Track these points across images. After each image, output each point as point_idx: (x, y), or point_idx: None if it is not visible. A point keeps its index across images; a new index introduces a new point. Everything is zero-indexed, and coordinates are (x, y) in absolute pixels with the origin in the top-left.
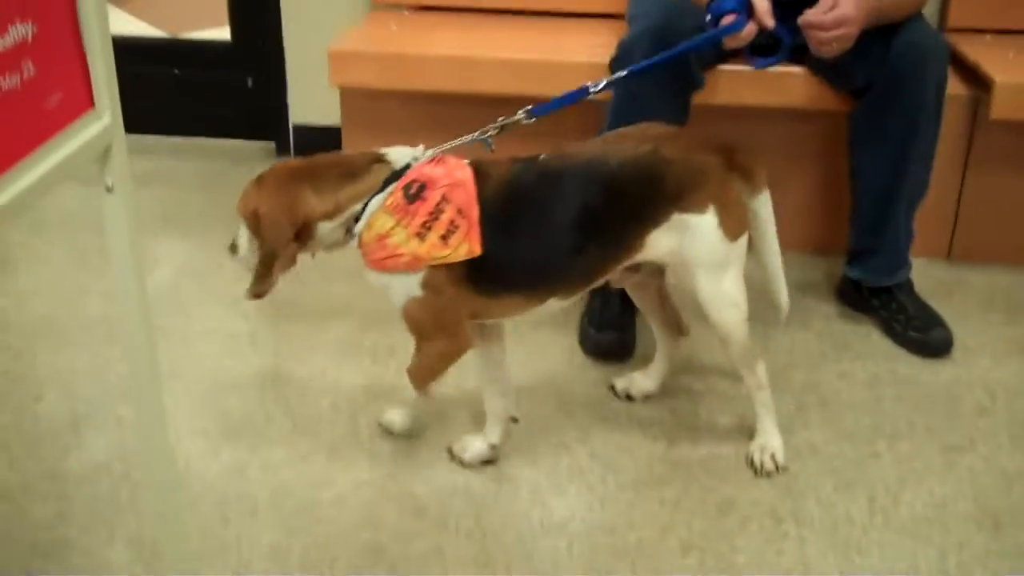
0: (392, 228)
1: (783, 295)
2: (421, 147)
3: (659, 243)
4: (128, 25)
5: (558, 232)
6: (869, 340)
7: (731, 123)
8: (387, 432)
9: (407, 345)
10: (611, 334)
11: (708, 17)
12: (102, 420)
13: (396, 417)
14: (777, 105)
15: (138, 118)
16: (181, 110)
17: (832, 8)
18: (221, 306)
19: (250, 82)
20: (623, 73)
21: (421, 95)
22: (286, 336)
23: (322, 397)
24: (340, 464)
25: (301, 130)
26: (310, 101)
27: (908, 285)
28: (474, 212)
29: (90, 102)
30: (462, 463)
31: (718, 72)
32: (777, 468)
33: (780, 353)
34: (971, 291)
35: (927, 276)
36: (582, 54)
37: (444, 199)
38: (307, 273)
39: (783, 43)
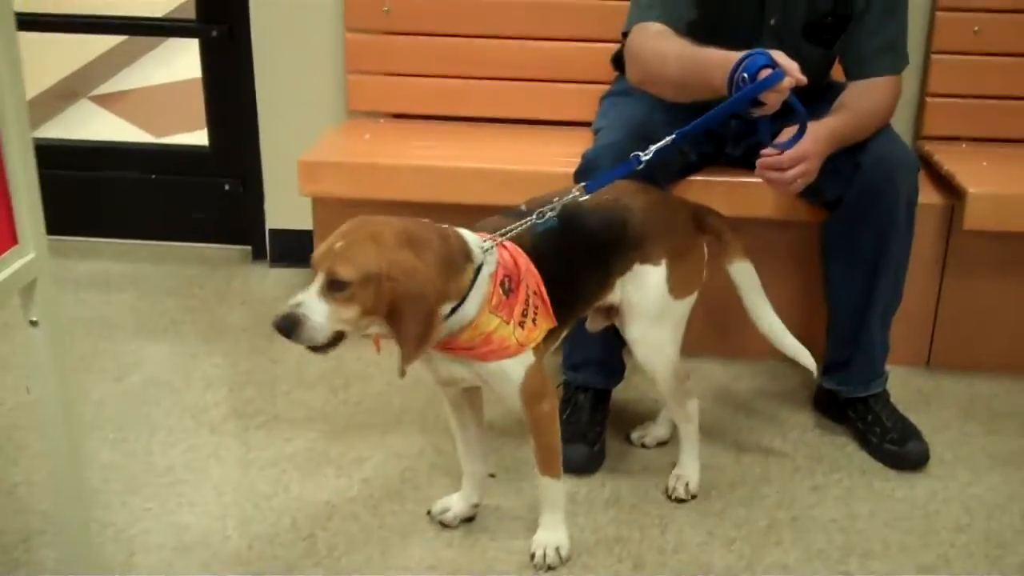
0: (498, 326)
1: (801, 351)
2: (480, 235)
3: (624, 288)
4: (113, 126)
5: (566, 282)
6: (844, 452)
7: None
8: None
9: (374, 455)
10: (582, 448)
11: (744, 75)
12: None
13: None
14: (748, 216)
15: (115, 222)
16: (158, 214)
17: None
18: (187, 417)
19: (227, 187)
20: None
21: (394, 204)
22: (252, 448)
23: (284, 515)
24: None
25: (278, 234)
26: (287, 206)
27: (884, 396)
28: (543, 290)
29: (13, 239)
30: (443, 524)
31: (687, 183)
32: (688, 496)
33: (754, 464)
34: (950, 400)
35: (906, 384)
36: (552, 164)
37: (527, 287)
38: (280, 380)
39: (801, 114)
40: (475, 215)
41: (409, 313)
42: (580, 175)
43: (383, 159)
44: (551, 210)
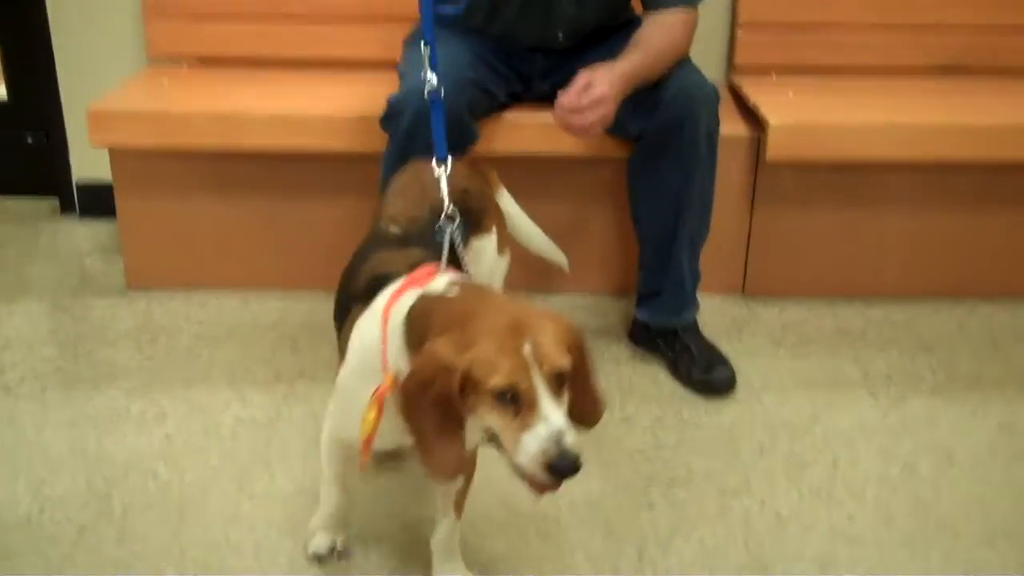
0: None
1: (554, 251)
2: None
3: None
4: None
5: None
6: (655, 382)
7: (519, 172)
8: None
9: (176, 410)
10: None
11: None
12: None
13: None
14: (556, 153)
15: None
16: None
17: (586, 89)
18: None
19: (30, 139)
20: None
21: (192, 153)
22: (49, 408)
23: (78, 476)
24: None
25: (85, 188)
26: (93, 158)
27: (694, 326)
28: None
29: None
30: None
31: (494, 121)
32: None
33: None
34: (762, 327)
35: (721, 313)
36: (353, 108)
37: None
38: (84, 338)
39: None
40: (273, 163)
41: (591, 366)
42: (386, 120)
43: (176, 107)
44: (448, 219)
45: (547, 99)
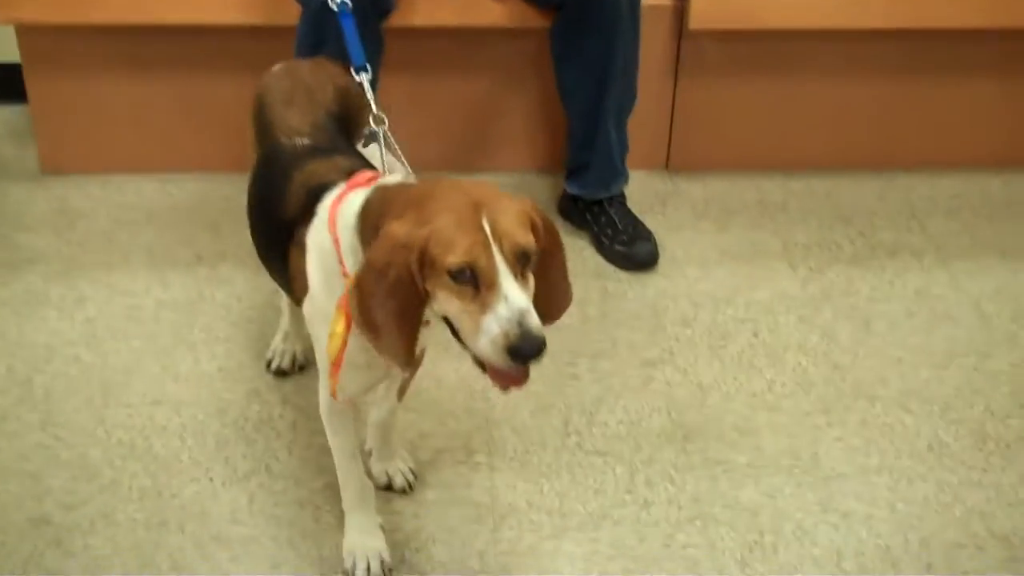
0: None
1: None
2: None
3: None
4: None
5: None
6: (582, 257)
7: (440, 46)
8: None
9: (97, 294)
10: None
11: None
12: None
13: None
14: (478, 25)
15: None
16: None
17: None
18: None
19: None
20: None
21: (104, 29)
22: None
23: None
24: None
25: None
26: (3, 39)
27: (620, 198)
28: None
29: None
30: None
31: None
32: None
33: None
34: (686, 201)
35: (645, 187)
36: None
37: None
38: None
39: None
40: (187, 39)
41: (561, 253)
42: None
43: None
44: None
45: None
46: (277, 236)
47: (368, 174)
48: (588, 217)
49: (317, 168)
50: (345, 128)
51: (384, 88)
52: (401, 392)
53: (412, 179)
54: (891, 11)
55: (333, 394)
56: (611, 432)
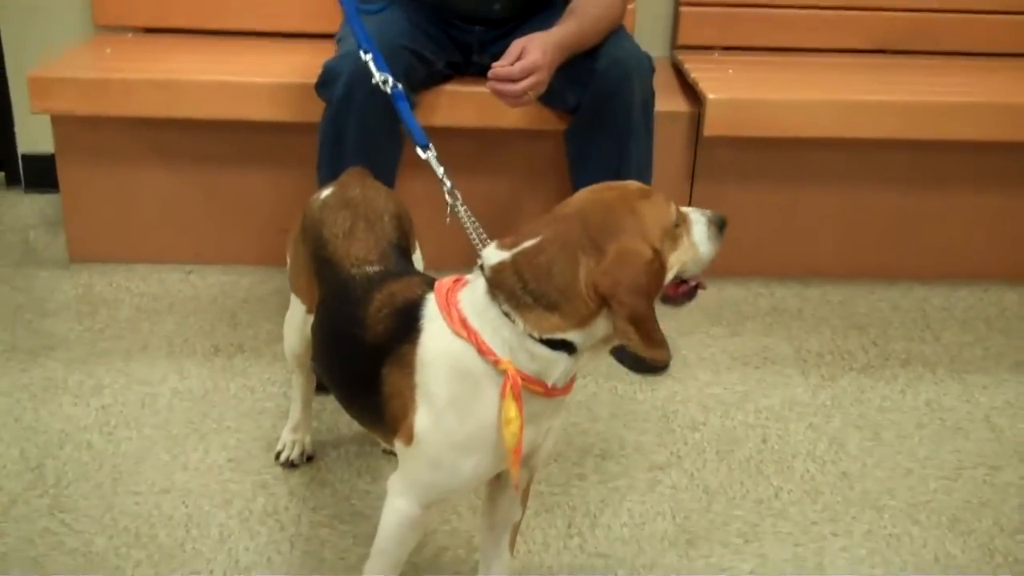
0: None
1: None
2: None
3: None
4: None
5: None
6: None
7: (459, 146)
8: None
9: (115, 381)
10: None
11: None
12: None
13: None
14: (495, 126)
15: None
16: None
17: (519, 58)
18: None
19: None
20: None
21: (135, 121)
22: None
23: (12, 446)
24: None
25: (32, 159)
26: (40, 129)
27: None
28: None
29: None
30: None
31: (434, 93)
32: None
33: None
34: (699, 305)
35: None
36: (294, 76)
37: None
38: (23, 309)
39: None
40: (214, 133)
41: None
42: (321, 86)
43: (116, 73)
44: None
45: (487, 73)
46: (362, 365)
47: (449, 279)
48: None
49: (396, 288)
50: (405, 255)
51: (401, 187)
52: (512, 542)
53: (508, 245)
54: (904, 123)
55: (517, 485)
56: (614, 535)
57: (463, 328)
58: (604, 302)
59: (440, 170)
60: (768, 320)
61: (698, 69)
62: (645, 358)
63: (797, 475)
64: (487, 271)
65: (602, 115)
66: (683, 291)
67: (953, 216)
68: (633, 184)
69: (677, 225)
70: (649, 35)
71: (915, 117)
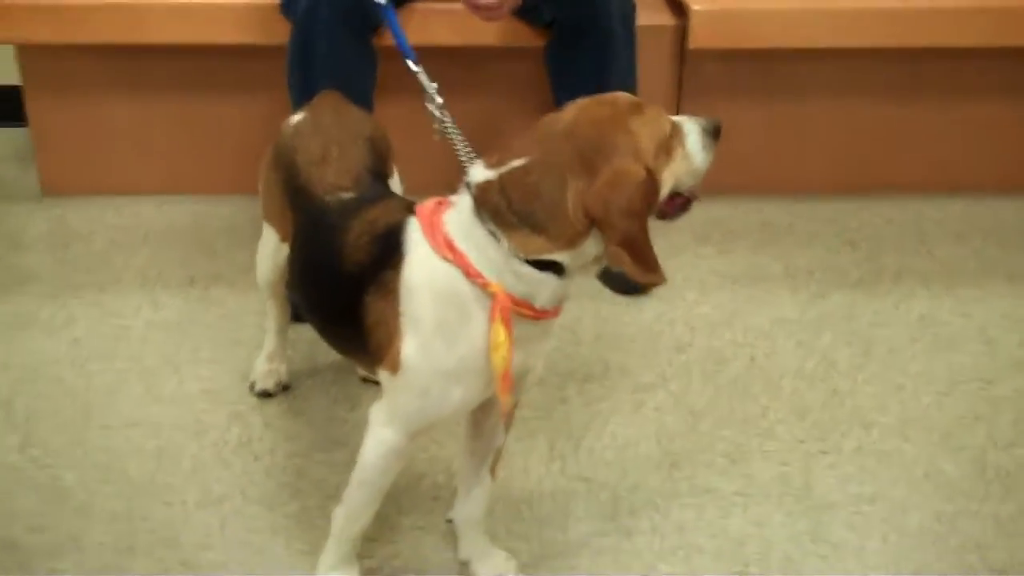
0: None
1: None
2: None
3: None
4: None
5: None
6: (577, 281)
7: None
8: None
9: (87, 314)
10: None
11: None
12: None
13: None
14: (472, 44)
15: None
16: None
17: None
18: None
19: None
20: None
21: (102, 49)
22: None
23: None
24: None
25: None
26: (5, 61)
27: None
28: None
29: None
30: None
31: (404, 11)
32: None
33: None
34: (687, 224)
35: None
36: None
37: None
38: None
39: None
40: (184, 57)
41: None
42: (284, 4)
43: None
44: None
45: None
46: (343, 294)
47: (431, 201)
48: None
49: (375, 214)
50: (382, 180)
51: (378, 111)
52: (494, 468)
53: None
54: (893, 30)
55: (505, 413)
56: (597, 458)
57: (449, 250)
58: (595, 224)
59: (433, 86)
60: (757, 238)
61: None
62: (630, 279)
63: (785, 394)
64: (473, 189)
65: (580, 29)
66: (677, 204)
67: (946, 126)
68: (624, 97)
69: (671, 137)
70: None
71: (907, 24)
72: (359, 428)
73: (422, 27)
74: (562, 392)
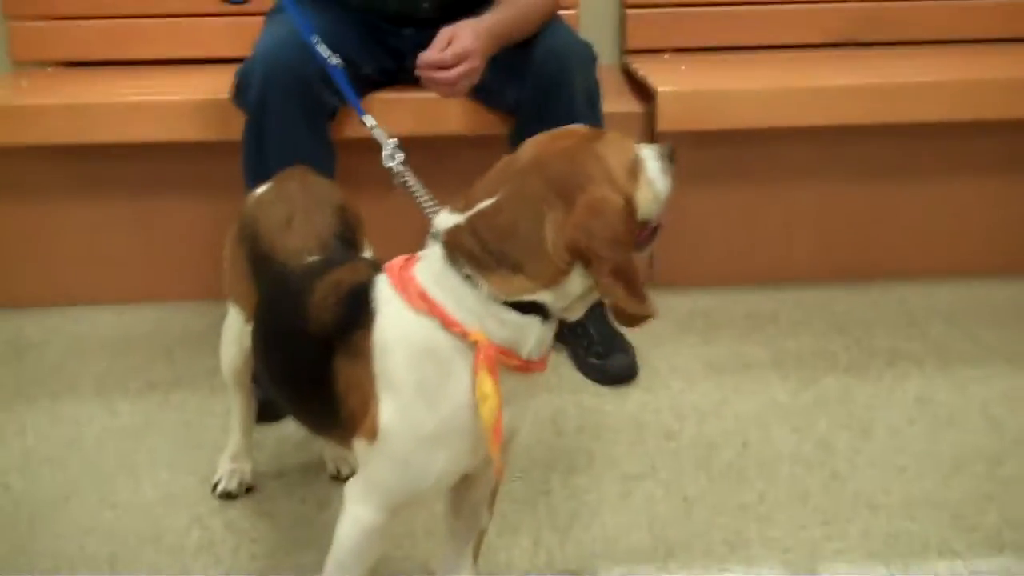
0: None
1: None
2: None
3: None
4: None
5: None
6: (558, 373)
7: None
8: None
9: (39, 422)
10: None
11: None
12: None
13: None
14: (435, 133)
15: None
16: None
17: (449, 44)
18: None
19: None
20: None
21: (53, 150)
22: None
23: None
24: None
25: None
26: None
27: (599, 311)
28: None
29: None
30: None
31: (369, 101)
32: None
33: None
34: (671, 315)
35: None
36: (209, 92)
37: None
38: None
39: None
40: (139, 158)
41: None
42: (237, 95)
43: (31, 100)
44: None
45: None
46: (310, 362)
47: (399, 258)
48: (564, 330)
49: (340, 275)
50: (350, 246)
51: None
52: (476, 552)
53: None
54: (872, 106)
55: (499, 472)
56: (586, 550)
57: (423, 302)
58: (579, 258)
59: (392, 142)
60: (742, 326)
61: (647, 69)
62: (606, 367)
63: (783, 478)
64: (442, 236)
65: (545, 109)
66: (645, 233)
67: (929, 207)
68: (581, 127)
69: (635, 162)
70: (596, 42)
71: (878, 100)
72: (328, 528)
73: (385, 116)
74: (545, 484)
